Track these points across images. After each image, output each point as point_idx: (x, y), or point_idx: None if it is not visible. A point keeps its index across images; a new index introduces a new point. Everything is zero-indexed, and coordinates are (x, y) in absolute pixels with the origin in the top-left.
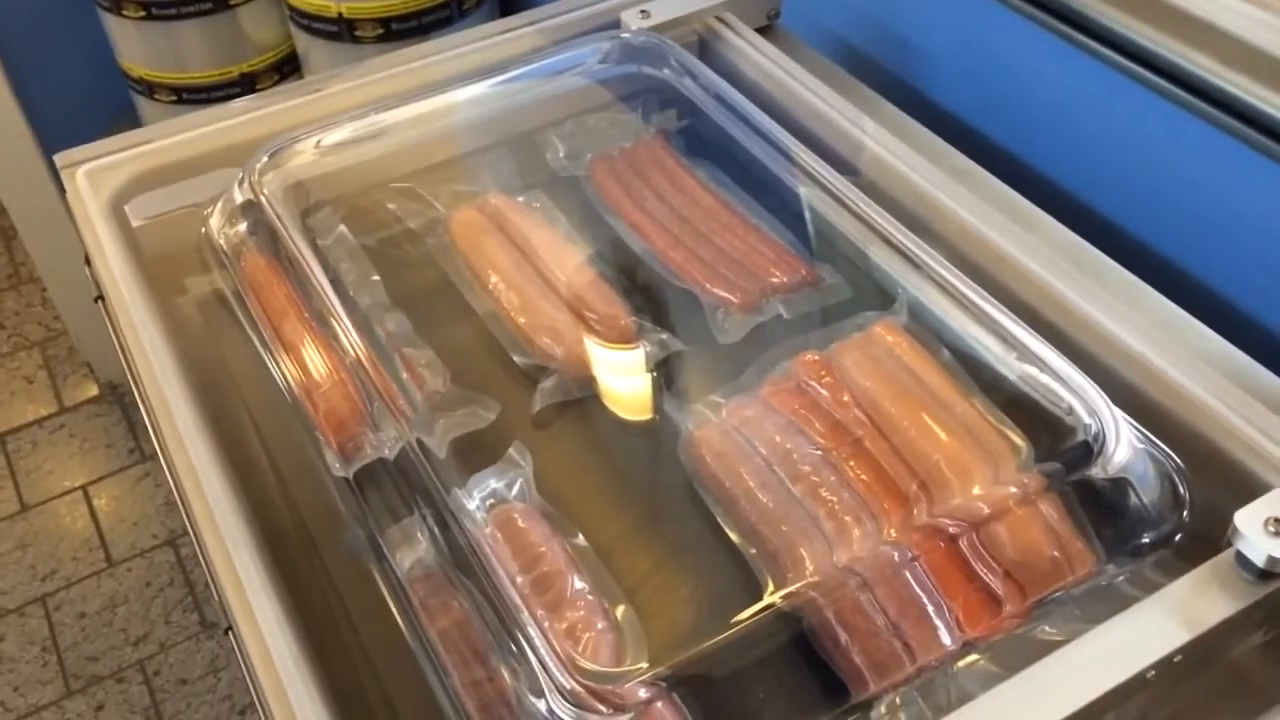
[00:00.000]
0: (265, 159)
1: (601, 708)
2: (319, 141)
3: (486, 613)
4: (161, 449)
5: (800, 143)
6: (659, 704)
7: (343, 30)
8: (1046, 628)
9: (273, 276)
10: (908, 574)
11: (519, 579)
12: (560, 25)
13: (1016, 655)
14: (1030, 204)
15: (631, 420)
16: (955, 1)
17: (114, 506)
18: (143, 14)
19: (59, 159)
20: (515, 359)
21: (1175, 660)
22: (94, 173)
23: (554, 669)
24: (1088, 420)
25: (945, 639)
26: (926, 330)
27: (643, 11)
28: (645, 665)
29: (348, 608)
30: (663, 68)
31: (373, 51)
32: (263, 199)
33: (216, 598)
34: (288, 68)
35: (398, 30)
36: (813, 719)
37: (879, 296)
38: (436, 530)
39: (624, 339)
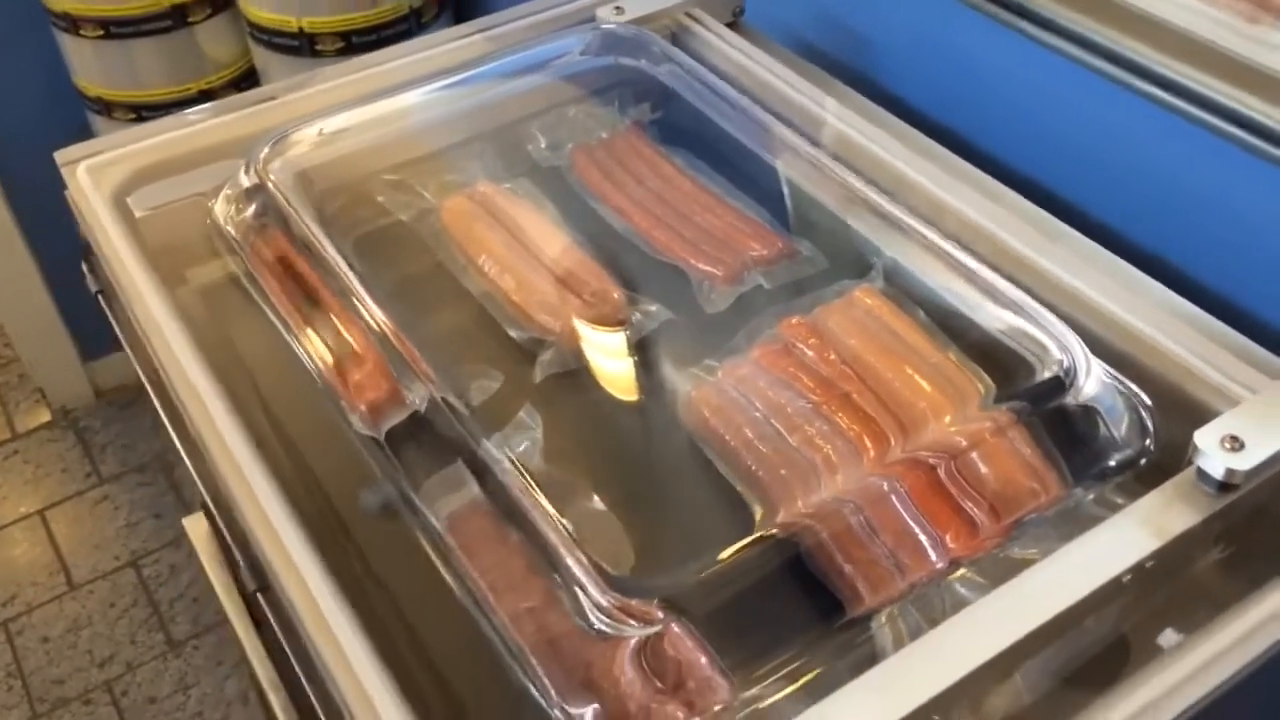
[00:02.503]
0: (268, 148)
1: (632, 621)
2: (320, 130)
3: (526, 547)
4: (184, 427)
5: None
6: (674, 625)
7: (303, 45)
8: (1024, 549)
9: (287, 257)
10: (894, 500)
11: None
12: (531, 25)
13: (1000, 572)
14: (991, 179)
15: (630, 386)
16: (914, 7)
17: (73, 530)
18: (100, 33)
19: (59, 156)
20: (513, 334)
21: (1147, 566)
22: (94, 168)
23: (591, 588)
24: (1059, 356)
25: (932, 557)
26: (902, 293)
27: (616, 8)
28: (669, 579)
29: (370, 562)
30: (641, 58)
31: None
32: (270, 184)
33: (245, 566)
34: (245, 84)
35: (358, 44)
36: (817, 633)
37: (855, 266)
38: (474, 476)
39: (617, 311)
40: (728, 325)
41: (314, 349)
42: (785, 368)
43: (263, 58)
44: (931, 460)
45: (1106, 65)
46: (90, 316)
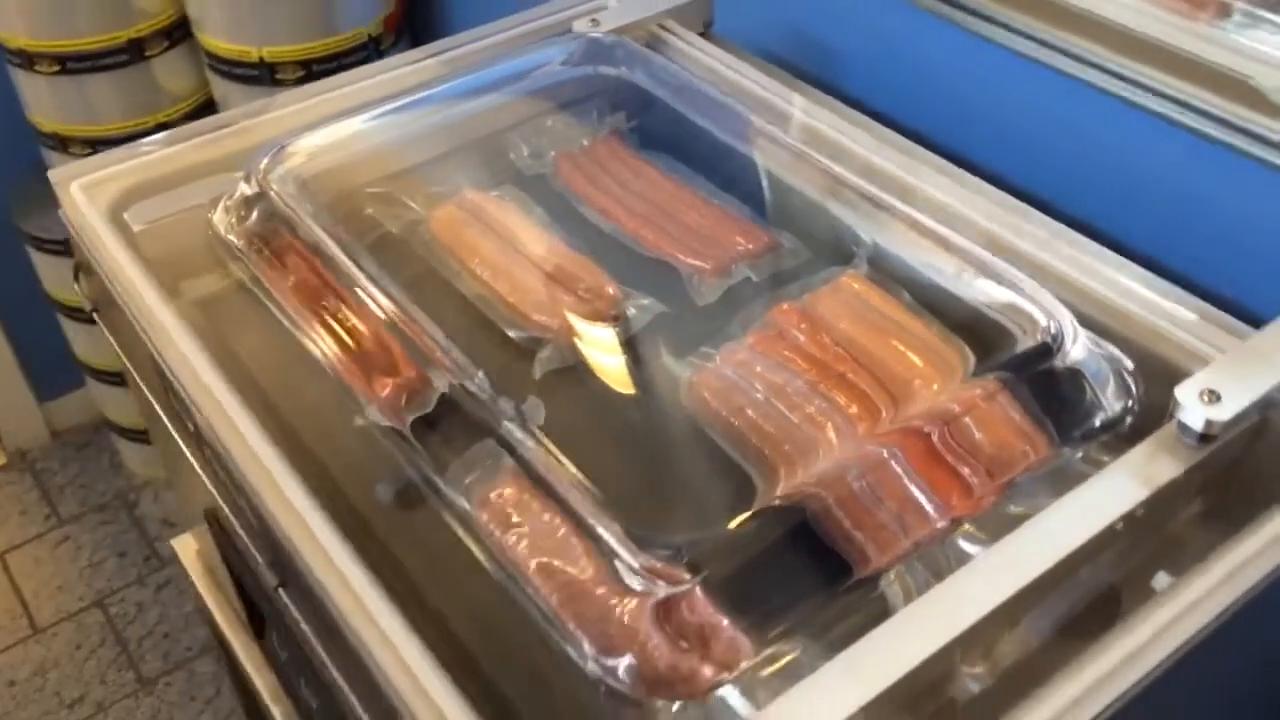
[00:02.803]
0: (268, 159)
1: (661, 581)
2: (316, 143)
3: (555, 516)
4: (191, 430)
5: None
6: (697, 586)
7: (263, 74)
8: (1018, 507)
9: (294, 259)
10: (894, 465)
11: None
12: (508, 40)
13: (998, 529)
14: (956, 167)
15: (631, 376)
16: (870, 7)
17: (34, 573)
18: (56, 69)
19: (53, 175)
20: (510, 334)
21: (1138, 515)
22: (88, 185)
23: (623, 549)
24: (1046, 323)
25: (933, 517)
26: (887, 277)
27: (593, 20)
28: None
29: (392, 548)
30: (621, 65)
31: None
32: (274, 192)
33: (266, 563)
34: (177, 34)
35: (318, 72)
36: (828, 593)
37: (839, 255)
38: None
39: (611, 306)
40: (719, 316)
41: (328, 345)
42: (780, 351)
43: (222, 89)
44: (926, 427)
45: (1057, 60)
46: (46, 356)
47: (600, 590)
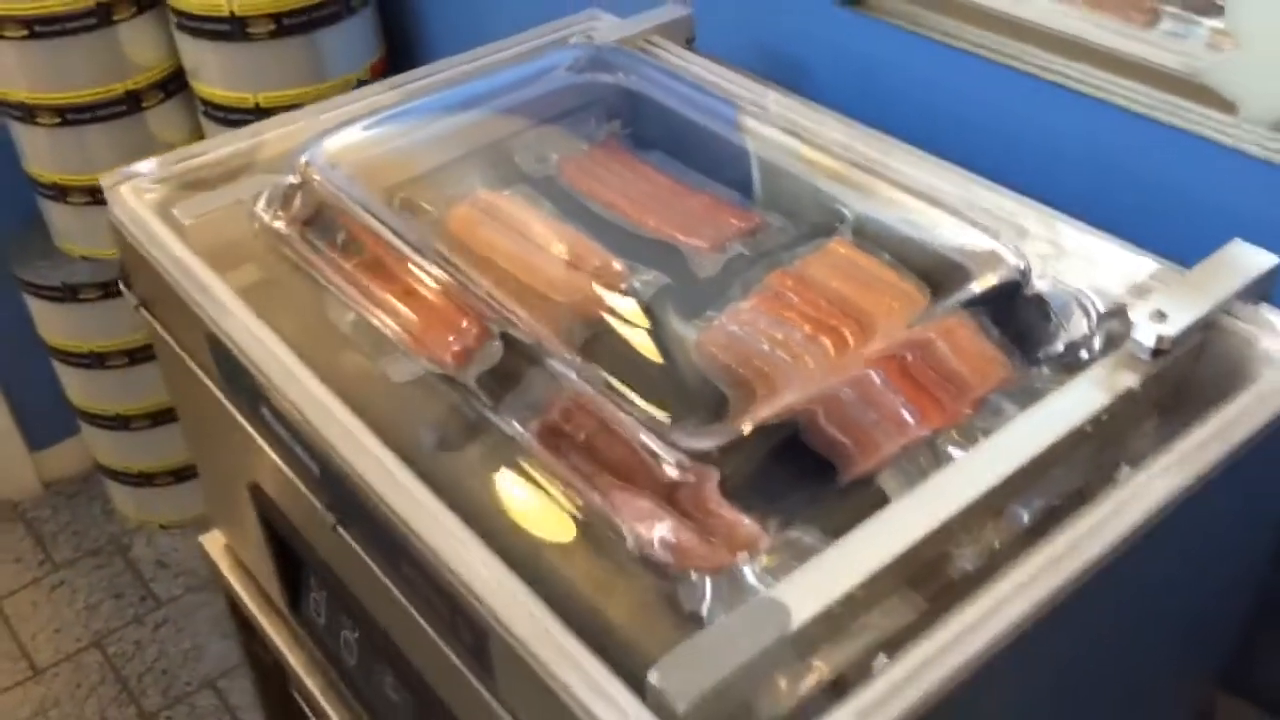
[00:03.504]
0: (307, 155)
1: (692, 475)
2: (354, 137)
3: (605, 428)
4: (263, 392)
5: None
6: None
7: (235, 29)
8: (993, 422)
9: (343, 238)
10: (876, 381)
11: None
12: (505, 59)
13: (976, 440)
14: (920, 150)
15: (642, 341)
16: (834, 23)
17: (32, 616)
18: (57, 121)
19: (104, 179)
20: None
21: (1102, 419)
22: (135, 188)
23: (659, 447)
24: (1015, 261)
25: (914, 426)
26: (870, 242)
27: (587, 36)
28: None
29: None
30: (618, 72)
31: (263, 50)
32: (316, 180)
33: (323, 504)
34: (172, 85)
35: (289, 25)
36: (826, 490)
37: (823, 230)
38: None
39: (620, 280)
40: (719, 286)
41: (388, 310)
42: (779, 310)
43: (193, 54)
44: (904, 352)
45: (1007, 61)
46: (38, 405)
47: (642, 483)
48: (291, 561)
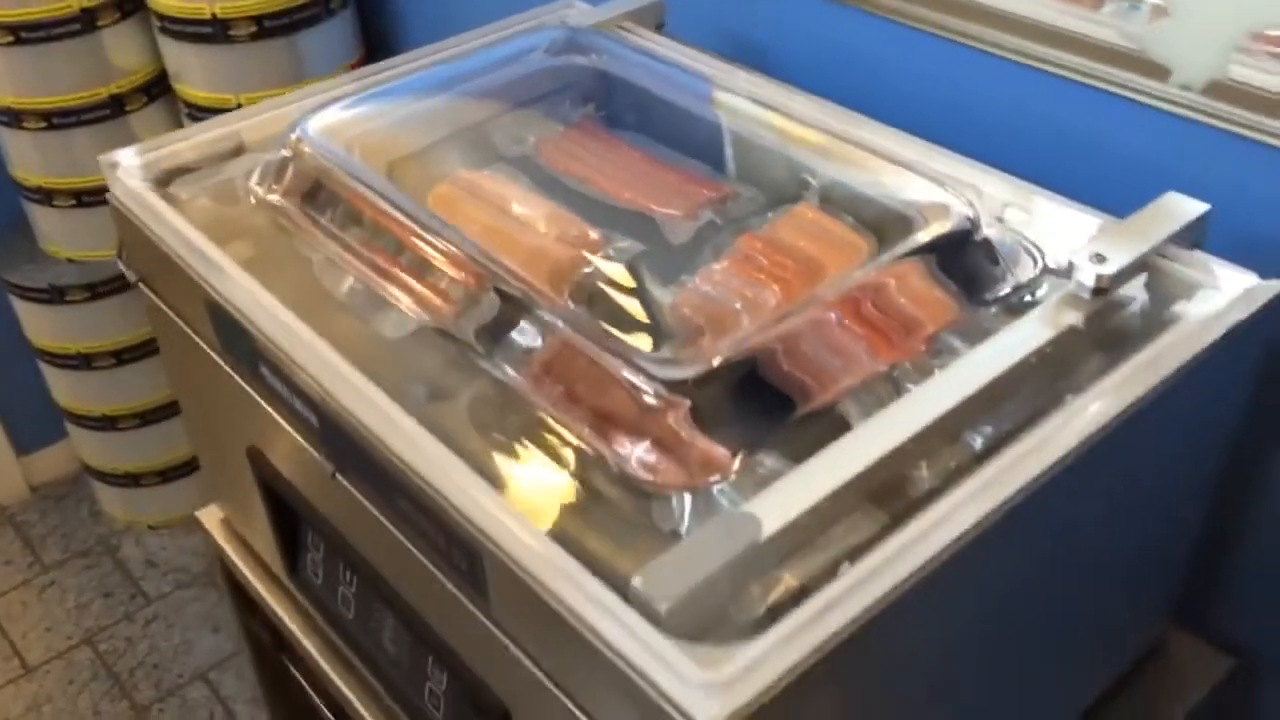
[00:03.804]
0: (297, 131)
1: (670, 406)
2: (338, 116)
3: (591, 365)
4: (264, 351)
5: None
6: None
7: (217, 31)
8: (945, 360)
9: (335, 206)
10: (833, 321)
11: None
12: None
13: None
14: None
15: (619, 305)
16: (800, 8)
17: (22, 616)
18: (43, 125)
19: (102, 159)
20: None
21: (1047, 351)
22: (132, 168)
23: (638, 380)
24: (966, 210)
25: (868, 361)
26: (835, 204)
27: (562, 21)
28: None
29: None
30: (590, 54)
31: (246, 52)
32: (308, 151)
33: (322, 454)
34: (155, 89)
35: (270, 28)
36: (790, 422)
37: (790, 198)
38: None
39: (596, 249)
40: (692, 251)
41: (382, 272)
42: (750, 272)
43: (175, 57)
44: (860, 295)
45: (971, 42)
46: (24, 409)
47: (623, 414)
48: (289, 523)
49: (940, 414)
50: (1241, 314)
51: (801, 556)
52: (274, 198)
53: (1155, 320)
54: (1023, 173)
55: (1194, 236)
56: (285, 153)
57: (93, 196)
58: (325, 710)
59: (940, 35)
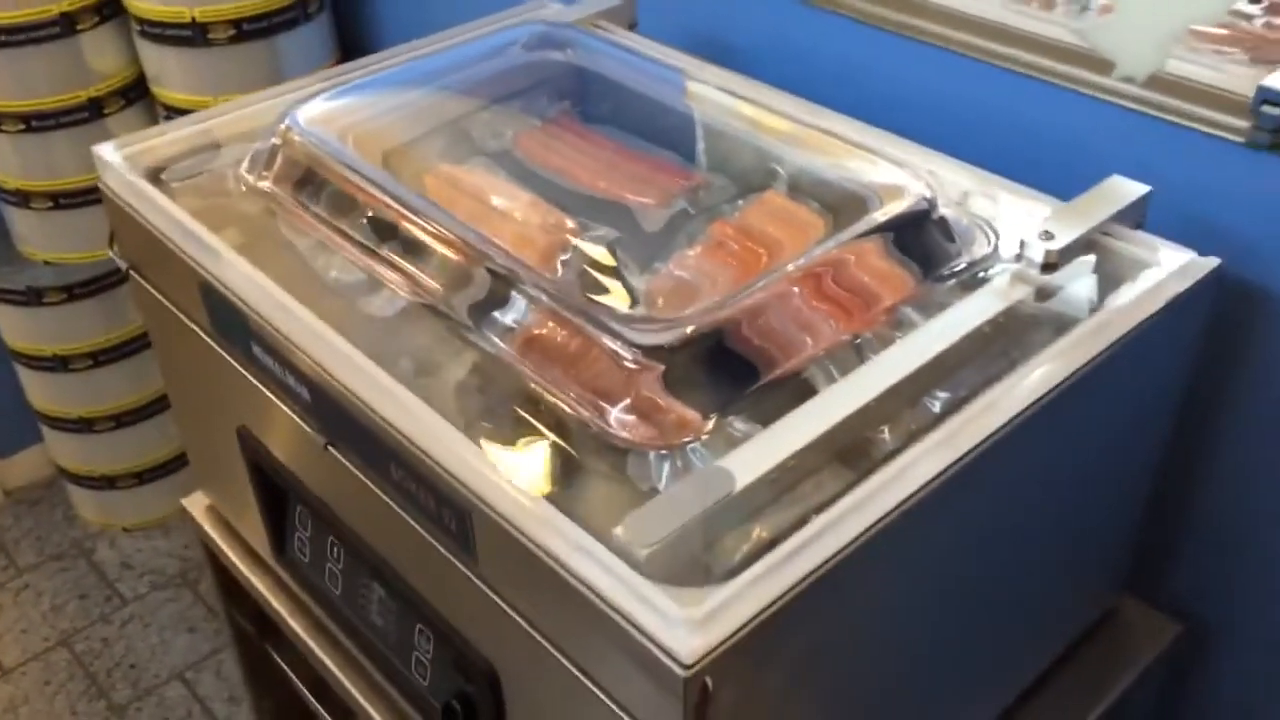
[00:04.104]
0: (286, 121)
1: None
2: (323, 109)
3: (573, 335)
4: (256, 331)
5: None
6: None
7: (196, 34)
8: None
9: (324, 190)
10: (797, 294)
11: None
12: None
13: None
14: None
15: (595, 291)
16: (769, 10)
17: None
18: (21, 128)
19: (96, 150)
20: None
21: (1000, 320)
22: (125, 157)
23: (617, 346)
24: (925, 192)
25: (830, 332)
26: (802, 190)
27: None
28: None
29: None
30: (567, 49)
31: (224, 54)
32: (298, 140)
33: (314, 428)
34: (133, 93)
35: (248, 30)
36: (756, 389)
37: (760, 184)
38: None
39: (574, 236)
40: (665, 238)
41: (373, 255)
42: (722, 258)
43: (154, 60)
44: (820, 270)
45: (938, 43)
46: None
47: (603, 380)
48: (277, 502)
49: (900, 379)
50: (1180, 287)
51: (773, 512)
52: (265, 184)
53: (1101, 293)
54: (980, 162)
55: (1136, 217)
56: (276, 140)
57: (70, 199)
58: (310, 698)
59: (904, 35)
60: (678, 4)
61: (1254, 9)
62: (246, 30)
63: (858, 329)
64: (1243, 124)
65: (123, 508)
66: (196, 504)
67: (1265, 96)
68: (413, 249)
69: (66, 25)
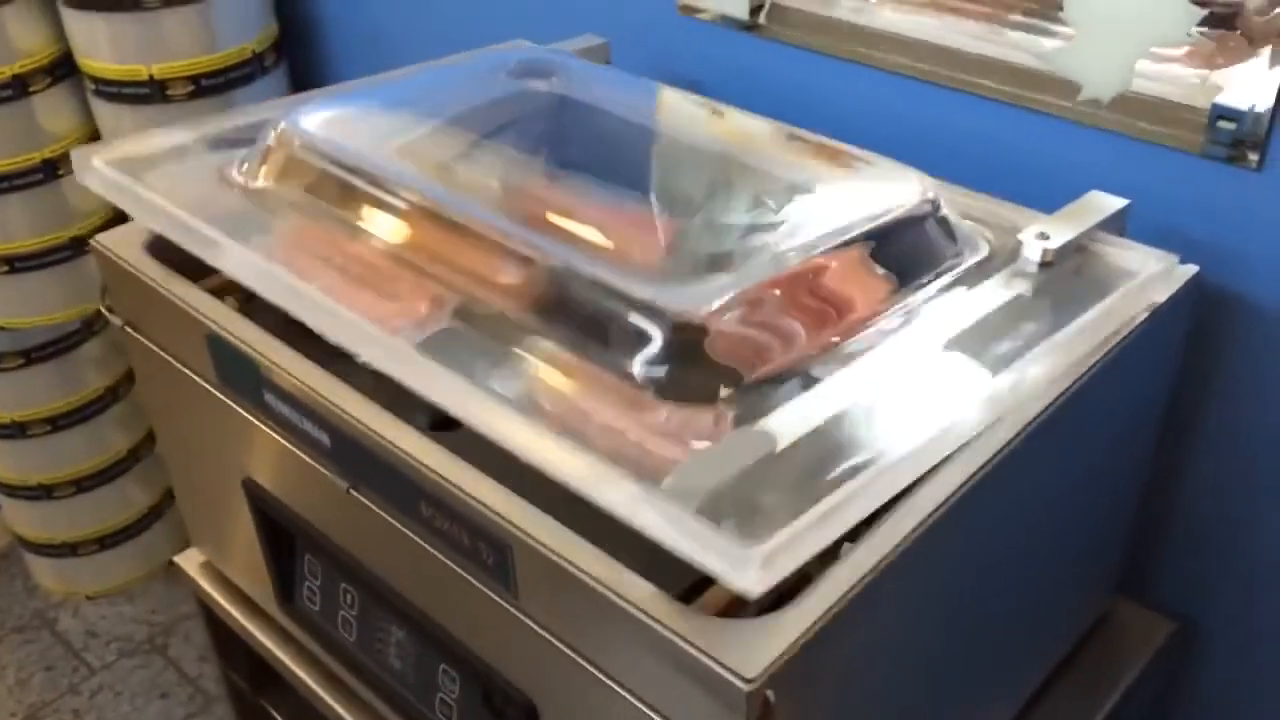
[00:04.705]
0: (285, 122)
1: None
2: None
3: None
4: (289, 385)
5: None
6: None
7: (154, 91)
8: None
9: (321, 193)
10: (774, 300)
11: None
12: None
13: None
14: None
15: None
16: (735, 48)
17: None
18: None
19: (74, 153)
20: None
21: (999, 316)
22: (105, 161)
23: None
24: (929, 195)
25: (806, 340)
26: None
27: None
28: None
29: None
30: (550, 77)
31: (180, 111)
32: (298, 142)
33: (334, 472)
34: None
35: (206, 86)
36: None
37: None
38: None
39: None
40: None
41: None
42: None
43: (110, 118)
44: (823, 262)
45: (903, 70)
46: None
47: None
48: (285, 553)
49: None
50: (1168, 290)
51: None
52: (259, 183)
53: (1093, 296)
54: (966, 182)
55: (1117, 229)
56: (270, 142)
57: (25, 263)
58: None
59: (872, 65)
60: (647, 43)
61: (1212, 31)
62: (205, 86)
63: (863, 316)
64: (1202, 138)
65: (84, 575)
66: (190, 560)
67: (1220, 112)
68: (429, 248)
69: (18, 88)
